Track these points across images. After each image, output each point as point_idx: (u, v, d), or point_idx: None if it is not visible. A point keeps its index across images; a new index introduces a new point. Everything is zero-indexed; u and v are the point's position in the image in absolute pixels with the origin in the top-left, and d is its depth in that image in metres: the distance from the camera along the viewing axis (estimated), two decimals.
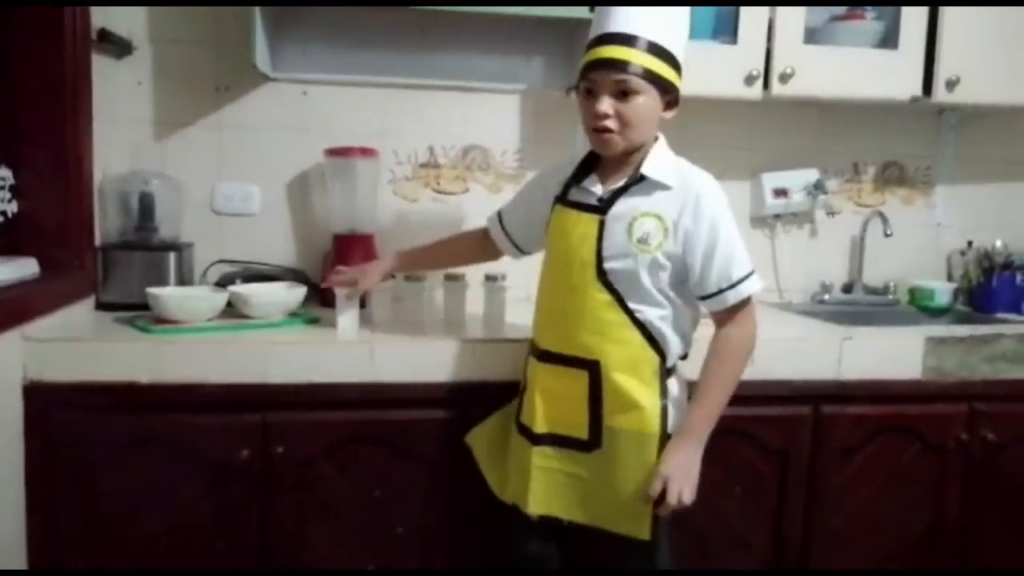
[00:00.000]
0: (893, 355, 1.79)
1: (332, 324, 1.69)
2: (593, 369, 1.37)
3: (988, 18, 2.00)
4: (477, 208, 2.10)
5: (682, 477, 1.33)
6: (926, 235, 2.41)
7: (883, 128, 2.34)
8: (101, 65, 1.90)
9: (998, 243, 2.29)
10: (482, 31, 2.08)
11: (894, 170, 2.38)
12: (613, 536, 1.39)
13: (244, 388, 1.55)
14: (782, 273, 2.33)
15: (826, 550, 1.80)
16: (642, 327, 1.35)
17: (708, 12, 1.95)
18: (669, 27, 1.32)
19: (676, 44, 1.33)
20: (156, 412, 1.53)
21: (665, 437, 1.37)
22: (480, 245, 1.66)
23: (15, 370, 1.48)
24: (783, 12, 1.94)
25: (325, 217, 2.06)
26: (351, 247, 1.94)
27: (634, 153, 1.38)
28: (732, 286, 1.36)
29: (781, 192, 2.25)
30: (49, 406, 1.50)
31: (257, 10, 1.78)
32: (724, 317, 1.39)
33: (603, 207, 1.36)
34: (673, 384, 1.41)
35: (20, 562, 1.50)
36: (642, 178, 1.35)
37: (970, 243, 2.36)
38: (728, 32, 1.94)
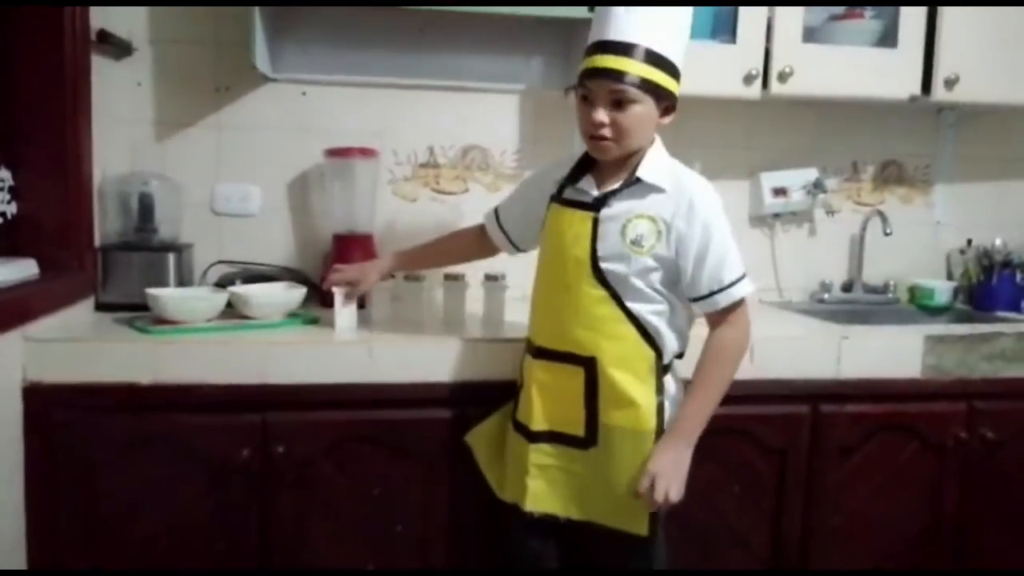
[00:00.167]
0: (892, 354, 1.79)
1: (331, 324, 1.70)
2: (589, 365, 1.37)
3: (987, 17, 2.00)
4: (476, 208, 2.09)
5: (670, 475, 1.34)
6: (925, 234, 2.41)
7: (882, 127, 2.34)
8: (101, 66, 1.90)
9: (997, 241, 2.30)
10: (481, 31, 2.08)
11: (893, 169, 2.38)
12: (610, 532, 1.40)
13: (244, 388, 1.55)
14: (781, 272, 2.33)
15: (825, 549, 1.80)
16: (637, 323, 1.36)
17: (707, 12, 1.95)
18: (669, 33, 1.32)
19: (675, 50, 1.33)
20: (156, 412, 1.53)
21: (661, 434, 1.38)
22: (477, 242, 1.66)
23: (15, 371, 1.48)
24: (782, 11, 1.94)
25: (324, 217, 2.06)
26: (350, 247, 1.95)
27: (630, 156, 1.38)
28: (723, 289, 1.36)
29: (780, 191, 2.25)
30: (49, 407, 1.50)
31: (257, 10, 1.78)
32: (717, 319, 1.40)
33: (596, 205, 1.37)
34: (669, 381, 1.42)
35: (20, 562, 1.51)
36: (637, 180, 1.36)
37: (969, 241, 2.37)
38: (727, 31, 1.94)
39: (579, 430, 1.39)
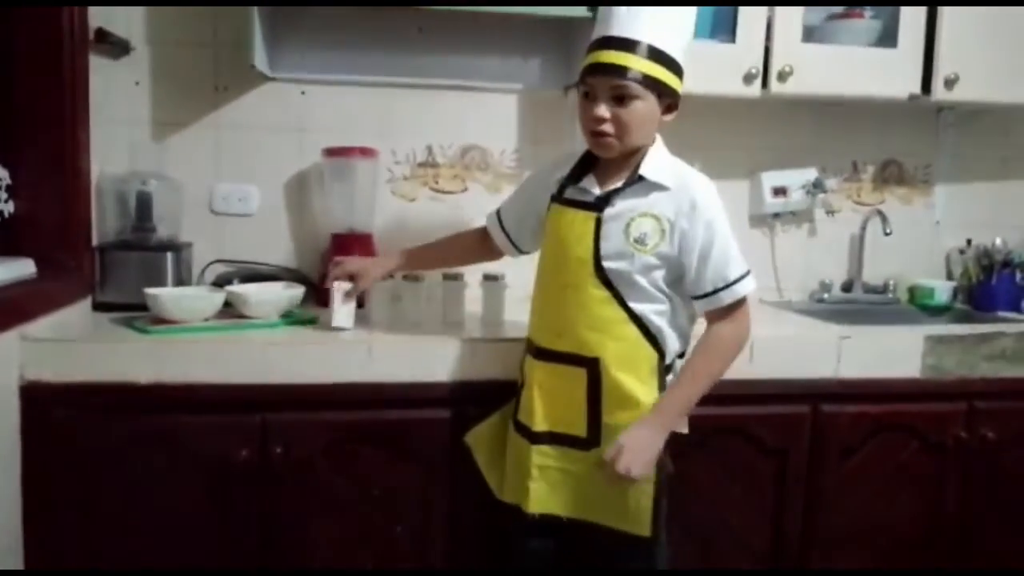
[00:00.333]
0: (892, 354, 1.79)
1: (329, 321, 1.70)
2: (591, 366, 1.37)
3: (987, 17, 2.00)
4: (476, 207, 2.10)
5: (637, 451, 1.31)
6: (925, 233, 2.41)
7: (882, 126, 2.34)
8: (99, 65, 1.90)
9: (997, 241, 2.29)
10: (480, 31, 2.08)
11: (893, 168, 2.38)
12: (612, 533, 1.39)
13: (242, 388, 1.54)
14: (781, 272, 2.33)
15: (825, 549, 1.80)
16: (640, 323, 1.36)
17: (706, 11, 1.94)
18: (672, 31, 1.32)
19: (678, 48, 1.33)
20: (154, 412, 1.53)
21: None
22: (481, 244, 1.66)
23: (12, 371, 1.48)
24: (781, 10, 1.94)
25: (323, 217, 2.05)
26: (349, 247, 1.94)
27: (632, 155, 1.38)
28: (727, 286, 1.36)
29: (780, 191, 2.25)
30: (47, 407, 1.50)
31: (255, 10, 1.78)
32: (718, 316, 1.39)
33: (599, 204, 1.36)
34: (671, 381, 1.41)
35: (17, 562, 1.50)
36: (640, 179, 1.36)
37: (969, 241, 2.36)
38: (727, 31, 1.93)
39: (581, 431, 1.39)
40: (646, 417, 1.35)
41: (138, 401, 1.52)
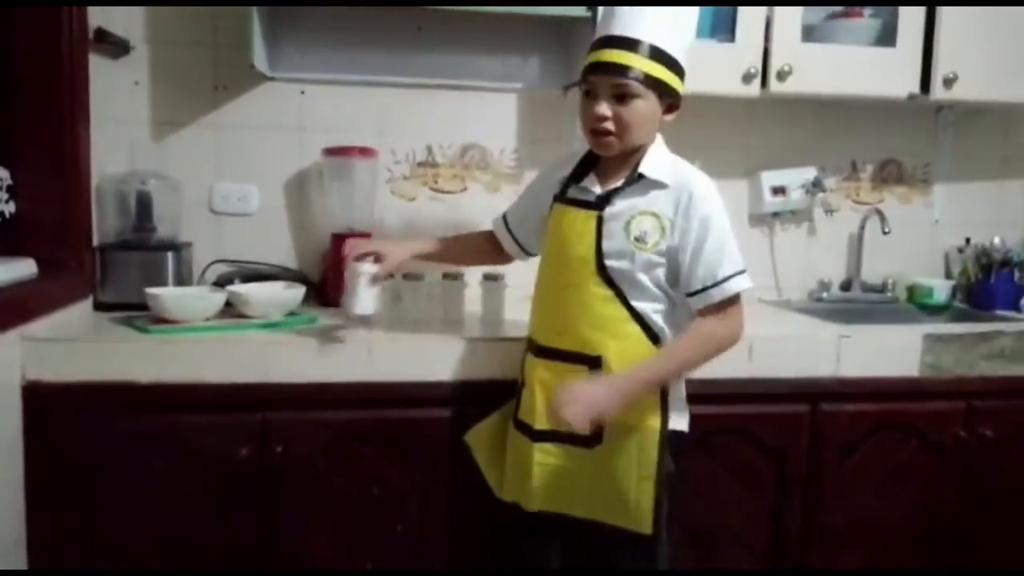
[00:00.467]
0: (891, 353, 1.79)
1: (330, 323, 1.70)
2: (593, 364, 1.37)
3: (985, 16, 2.00)
4: (475, 207, 2.11)
5: (586, 403, 1.29)
6: (924, 232, 2.41)
7: (881, 126, 2.34)
8: (98, 65, 1.90)
9: (996, 240, 2.30)
10: (479, 31, 2.08)
11: (892, 168, 2.38)
12: (614, 531, 1.40)
13: (243, 388, 1.55)
14: (780, 271, 2.33)
15: (824, 547, 1.80)
16: (642, 322, 1.36)
17: (706, 10, 1.94)
18: (674, 31, 1.33)
19: (680, 48, 1.34)
20: (155, 412, 1.53)
21: (666, 432, 1.38)
22: (491, 247, 1.65)
23: (14, 370, 1.48)
24: (781, 10, 1.94)
25: (323, 216, 2.06)
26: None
27: (633, 153, 1.38)
28: (717, 283, 1.35)
29: (779, 190, 2.25)
30: (48, 406, 1.50)
31: (255, 10, 1.78)
32: (710, 312, 1.37)
33: (600, 203, 1.37)
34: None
35: (20, 562, 1.50)
36: (640, 177, 1.36)
37: (968, 240, 2.37)
38: (726, 30, 1.94)
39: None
40: (609, 376, 1.34)
41: (139, 401, 1.52)
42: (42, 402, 1.50)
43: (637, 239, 1.34)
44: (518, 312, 1.72)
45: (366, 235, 1.98)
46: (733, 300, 1.37)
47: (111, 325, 1.67)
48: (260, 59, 1.86)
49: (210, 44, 1.98)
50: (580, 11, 1.83)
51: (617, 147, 1.35)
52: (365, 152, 1.98)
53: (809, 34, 2.01)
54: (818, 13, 2.08)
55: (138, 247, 1.86)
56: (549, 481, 1.42)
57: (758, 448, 1.74)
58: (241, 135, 2.02)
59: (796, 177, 2.26)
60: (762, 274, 2.31)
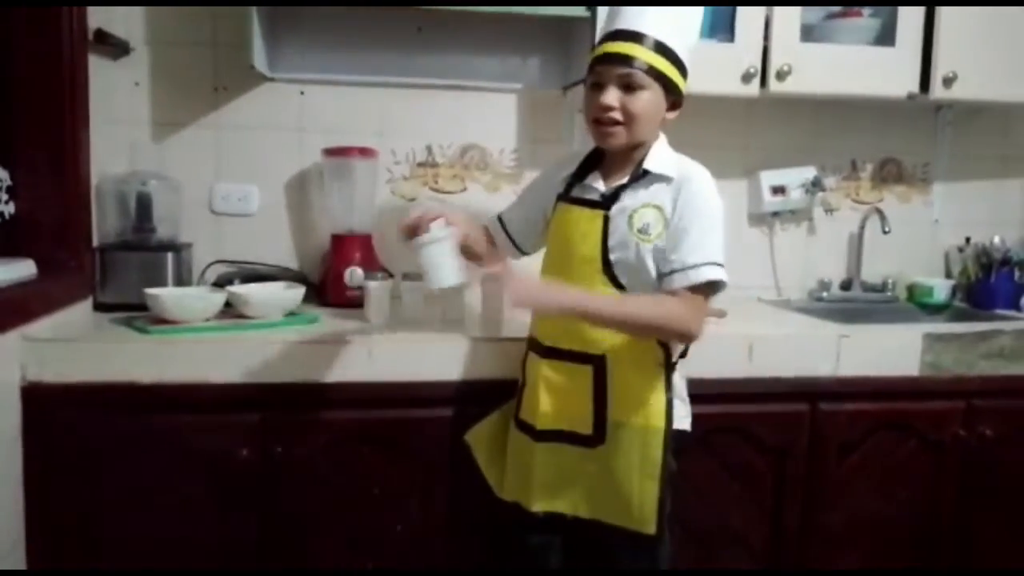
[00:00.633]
0: (891, 352, 1.79)
1: (331, 323, 1.70)
2: (598, 364, 1.37)
3: (985, 15, 2.00)
4: (475, 207, 2.10)
5: (529, 291, 1.29)
6: (924, 232, 2.41)
7: (880, 125, 2.34)
8: (98, 66, 1.90)
9: (996, 239, 2.29)
10: (479, 31, 2.08)
11: (892, 167, 2.38)
12: (618, 531, 1.39)
13: (243, 388, 1.55)
14: (780, 270, 2.33)
15: (824, 546, 1.80)
16: None
17: (705, 10, 1.94)
18: (677, 29, 1.35)
19: (683, 47, 1.36)
20: (155, 412, 1.53)
21: (670, 431, 1.38)
22: (491, 244, 1.62)
23: (14, 371, 1.48)
24: (780, 10, 1.94)
25: (323, 217, 2.06)
26: (349, 247, 1.95)
27: (636, 150, 1.39)
28: (687, 268, 1.31)
29: (779, 190, 2.25)
30: (48, 407, 1.50)
31: (255, 10, 1.78)
32: (677, 295, 1.33)
33: (606, 203, 1.37)
34: (677, 378, 1.42)
35: (19, 562, 1.50)
36: (644, 173, 1.37)
37: (968, 239, 2.37)
38: (725, 30, 1.93)
39: (587, 428, 1.39)
40: (562, 285, 1.33)
41: (139, 401, 1.52)
42: (42, 402, 1.50)
43: (640, 231, 1.35)
44: (517, 311, 1.72)
45: (366, 236, 1.98)
46: (702, 291, 1.33)
47: (111, 326, 1.67)
48: (260, 60, 1.86)
49: (210, 45, 1.98)
50: (580, 11, 1.83)
51: (623, 139, 1.35)
52: (365, 152, 1.98)
53: (808, 34, 2.01)
54: (817, 13, 2.08)
55: (138, 248, 1.86)
56: (552, 481, 1.42)
57: (758, 447, 1.75)
58: (241, 136, 2.02)
59: (796, 177, 2.26)
60: (762, 274, 2.31)
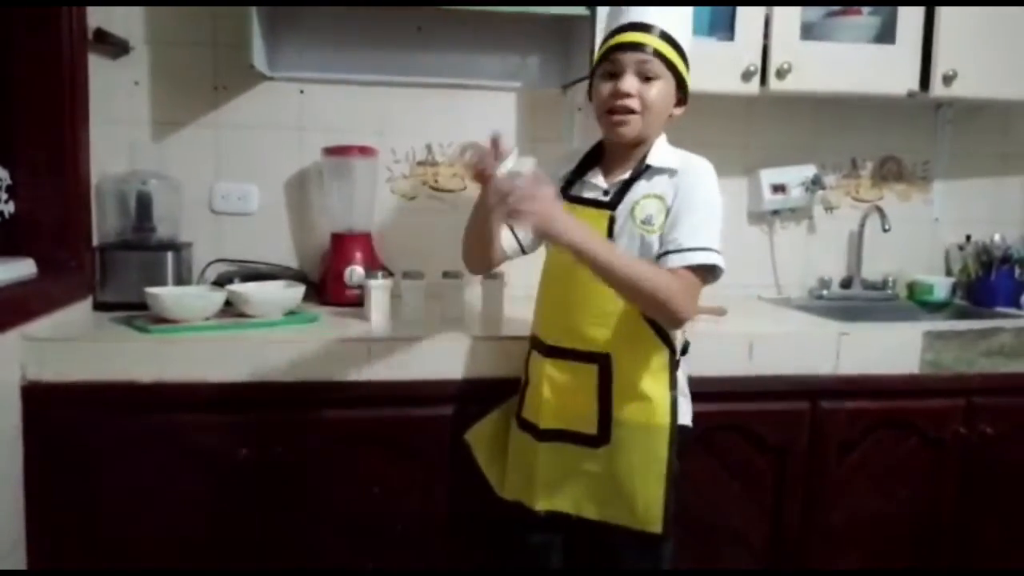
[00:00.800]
0: (891, 350, 1.79)
1: (331, 322, 1.70)
2: (603, 363, 1.37)
3: (984, 13, 2.00)
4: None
5: (552, 211, 1.21)
6: (924, 230, 2.41)
7: (880, 123, 2.34)
8: (98, 65, 1.90)
9: (996, 237, 2.29)
10: (479, 30, 2.08)
11: (892, 165, 2.38)
12: (619, 530, 1.39)
13: (242, 387, 1.55)
14: (780, 269, 2.33)
15: (824, 545, 1.80)
16: (653, 321, 1.36)
17: (705, 9, 1.95)
18: (680, 23, 1.37)
19: (686, 41, 1.38)
20: (155, 411, 1.53)
21: (675, 428, 1.37)
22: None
23: (13, 370, 1.48)
24: (780, 8, 1.93)
25: (323, 216, 2.06)
26: (349, 246, 1.95)
27: (638, 147, 1.40)
28: (681, 250, 1.31)
29: (779, 188, 2.25)
30: (48, 406, 1.50)
31: (254, 9, 1.78)
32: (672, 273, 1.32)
33: (612, 203, 1.37)
34: (680, 376, 1.42)
35: (19, 562, 1.50)
36: (647, 168, 1.37)
37: (968, 237, 2.37)
38: (725, 28, 1.93)
39: (591, 428, 1.39)
40: (573, 217, 1.27)
41: (139, 400, 1.52)
42: (42, 402, 1.50)
43: (644, 222, 1.35)
44: (517, 310, 1.72)
45: (366, 235, 1.98)
46: (698, 275, 1.32)
47: (111, 325, 1.67)
48: (259, 59, 1.86)
49: (209, 44, 1.98)
50: (579, 10, 1.83)
51: (637, 129, 1.36)
52: (365, 151, 1.98)
53: (808, 32, 2.01)
54: (817, 11, 2.07)
55: (138, 247, 1.86)
56: (555, 481, 1.41)
57: (758, 446, 1.74)
58: (241, 135, 2.02)
59: (796, 175, 2.26)
60: (762, 272, 2.31)
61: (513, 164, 1.29)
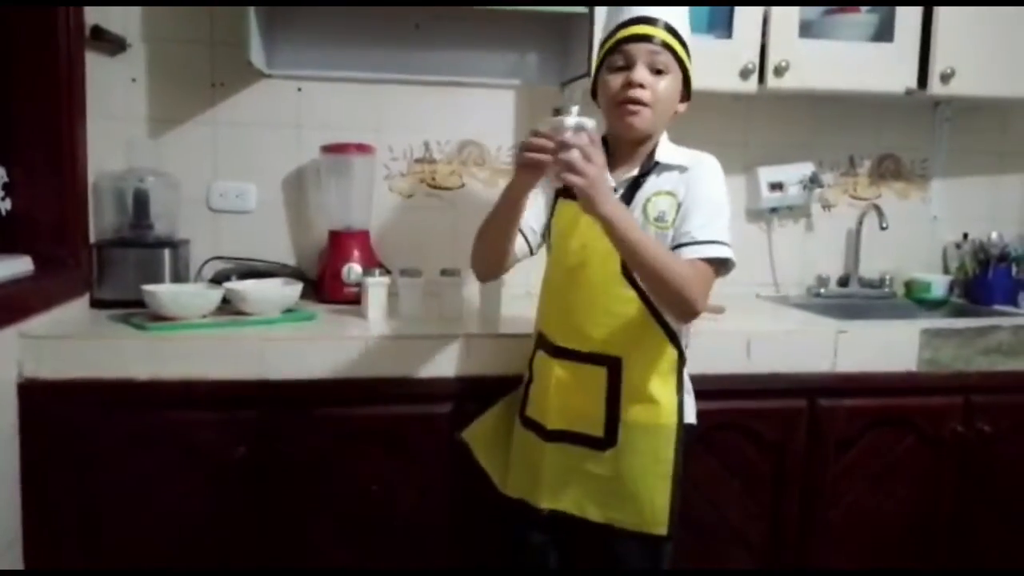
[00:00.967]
0: (889, 348, 1.79)
1: (329, 319, 1.70)
2: (613, 366, 1.36)
3: (983, 11, 2.00)
4: (473, 204, 2.10)
5: (598, 178, 1.19)
6: (922, 228, 2.41)
7: (878, 121, 2.34)
8: (95, 62, 1.90)
9: (993, 235, 2.30)
10: (477, 27, 2.08)
11: (890, 163, 2.38)
12: (622, 530, 1.38)
13: (241, 385, 1.55)
14: (778, 267, 2.33)
15: (822, 542, 1.80)
16: (662, 321, 1.35)
17: (704, 6, 1.94)
18: (680, 20, 1.38)
19: (687, 37, 1.39)
20: (152, 409, 1.53)
21: (681, 428, 1.37)
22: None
23: (11, 368, 1.48)
24: (778, 6, 1.93)
25: (320, 213, 2.05)
26: (347, 243, 1.95)
27: (643, 143, 1.39)
28: (695, 242, 1.32)
29: (777, 186, 2.25)
30: (45, 403, 1.50)
31: (252, 7, 1.78)
32: None
33: (623, 200, 1.36)
34: (686, 376, 1.42)
35: (16, 561, 1.50)
36: (656, 164, 1.37)
37: (966, 235, 2.37)
38: (723, 26, 1.93)
39: (598, 430, 1.38)
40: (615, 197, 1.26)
41: (136, 398, 1.52)
42: (39, 399, 1.50)
43: (657, 219, 1.35)
44: (516, 308, 1.72)
45: (363, 232, 1.98)
46: (711, 266, 1.32)
47: (108, 322, 1.67)
48: (257, 56, 1.86)
49: (207, 41, 1.98)
50: (578, 8, 1.83)
51: (648, 121, 1.35)
52: (362, 149, 1.98)
53: (806, 30, 2.00)
54: (815, 9, 2.07)
55: (135, 244, 1.85)
56: (561, 481, 1.40)
57: (756, 443, 1.75)
58: (238, 132, 2.02)
59: (794, 173, 2.26)
60: (760, 270, 2.31)
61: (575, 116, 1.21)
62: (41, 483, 1.51)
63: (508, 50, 2.12)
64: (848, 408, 1.77)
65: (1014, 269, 2.25)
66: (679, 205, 1.35)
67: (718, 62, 1.90)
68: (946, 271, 2.41)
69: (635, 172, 1.39)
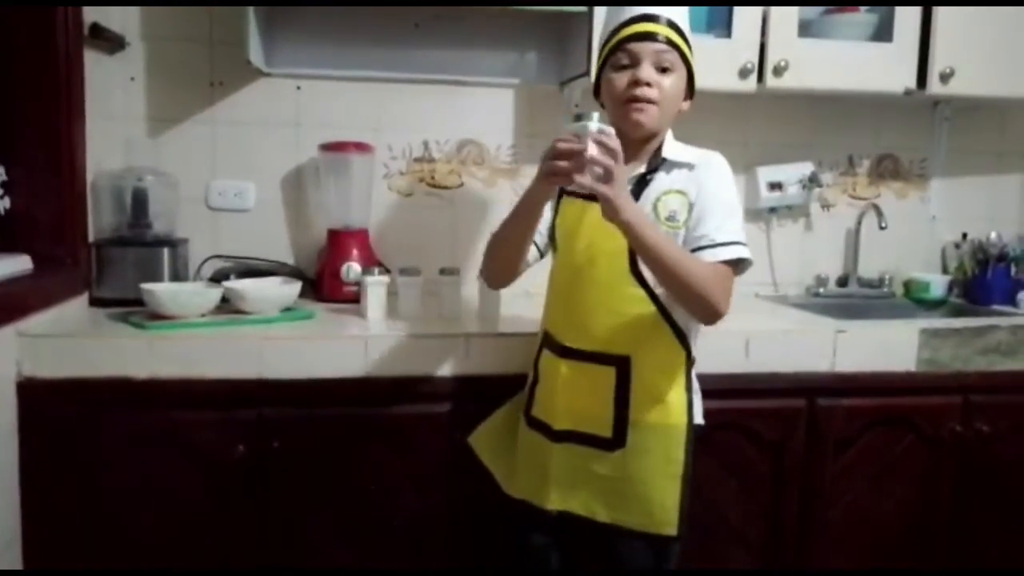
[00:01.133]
0: (888, 347, 1.79)
1: (327, 318, 1.70)
2: (622, 366, 1.35)
3: (982, 11, 2.00)
4: (472, 203, 2.10)
5: (620, 186, 1.19)
6: (921, 228, 2.41)
7: (877, 121, 2.34)
8: (94, 61, 1.90)
9: (992, 235, 2.30)
10: (476, 26, 2.08)
11: (889, 163, 2.38)
12: (632, 531, 1.37)
13: (240, 384, 1.54)
14: (777, 266, 2.33)
15: (821, 542, 1.80)
16: (671, 321, 1.35)
17: (703, 6, 1.94)
18: (681, 19, 1.38)
19: (689, 35, 1.39)
20: (151, 408, 1.53)
21: (691, 428, 1.37)
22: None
23: (9, 367, 1.48)
24: (777, 5, 1.93)
25: (319, 212, 2.05)
26: (346, 242, 1.94)
27: (649, 141, 1.39)
28: (714, 245, 1.32)
29: (776, 186, 2.25)
30: (44, 403, 1.50)
31: (251, 6, 1.78)
32: None
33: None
34: (694, 376, 1.42)
35: (15, 561, 1.50)
36: (664, 161, 1.37)
37: (964, 235, 2.37)
38: (722, 25, 1.93)
39: (606, 431, 1.37)
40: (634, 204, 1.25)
41: (135, 397, 1.52)
42: (38, 398, 1.50)
43: (668, 219, 1.34)
44: (515, 308, 1.72)
45: (362, 231, 1.98)
46: (730, 266, 1.33)
47: (107, 321, 1.67)
48: (256, 55, 1.86)
49: (206, 40, 1.97)
50: (577, 7, 1.83)
51: (655, 119, 1.35)
52: (361, 148, 1.98)
53: (805, 29, 2.01)
54: (815, 8, 2.07)
55: (134, 243, 1.85)
56: (569, 482, 1.39)
57: (755, 443, 1.75)
58: (237, 131, 2.02)
59: (793, 172, 2.26)
60: (759, 269, 2.31)
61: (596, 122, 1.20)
62: (40, 482, 1.51)
63: (507, 49, 2.12)
64: (847, 408, 1.77)
65: (1013, 269, 2.26)
66: (691, 205, 1.35)
67: (717, 62, 1.90)
68: (945, 271, 2.42)
69: (642, 169, 1.38)
